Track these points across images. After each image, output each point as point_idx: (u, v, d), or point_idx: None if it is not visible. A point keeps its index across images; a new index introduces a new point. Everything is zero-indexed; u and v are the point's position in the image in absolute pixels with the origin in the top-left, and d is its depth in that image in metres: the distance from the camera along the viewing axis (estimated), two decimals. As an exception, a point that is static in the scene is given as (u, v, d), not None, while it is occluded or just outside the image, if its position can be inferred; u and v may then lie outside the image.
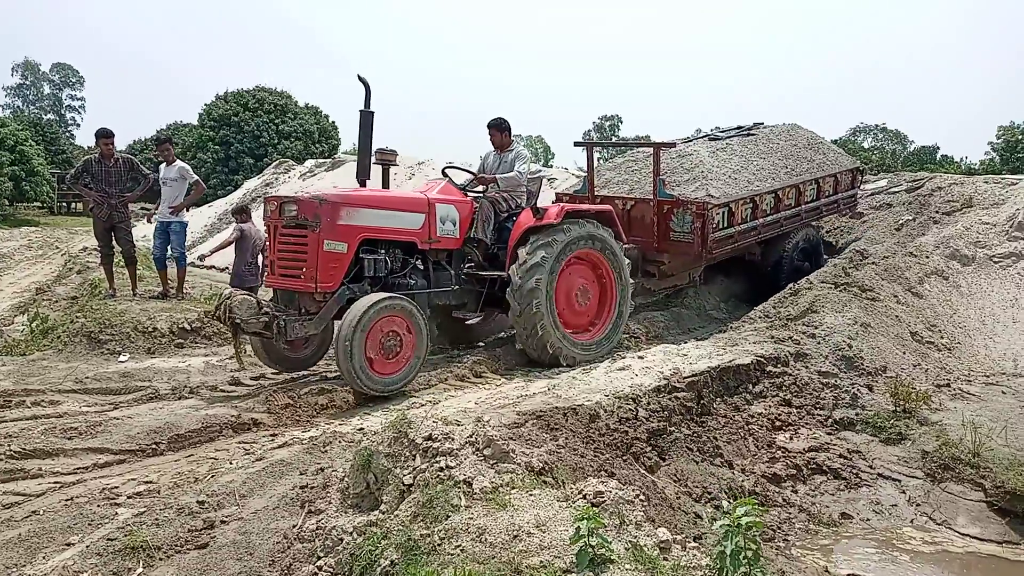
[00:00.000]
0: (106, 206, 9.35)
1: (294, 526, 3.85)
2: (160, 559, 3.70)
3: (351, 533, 3.51)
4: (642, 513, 2.86)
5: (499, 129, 8.01)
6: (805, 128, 12.50)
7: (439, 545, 2.97)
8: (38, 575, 3.55)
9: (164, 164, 9.92)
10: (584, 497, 3.06)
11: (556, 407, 5.23)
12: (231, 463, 4.90)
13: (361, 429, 5.51)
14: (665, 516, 4.15)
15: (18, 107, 60.07)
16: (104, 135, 9.44)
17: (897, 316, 8.22)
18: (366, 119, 7.16)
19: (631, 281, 8.14)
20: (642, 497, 3.08)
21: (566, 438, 4.52)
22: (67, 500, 4.43)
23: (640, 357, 6.70)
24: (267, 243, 7.17)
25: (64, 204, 37.04)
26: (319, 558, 3.50)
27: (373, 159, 7.44)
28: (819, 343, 7.21)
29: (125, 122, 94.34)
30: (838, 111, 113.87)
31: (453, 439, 3.69)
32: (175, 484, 4.58)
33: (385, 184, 7.68)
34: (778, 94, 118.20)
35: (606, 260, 7.85)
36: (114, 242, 9.50)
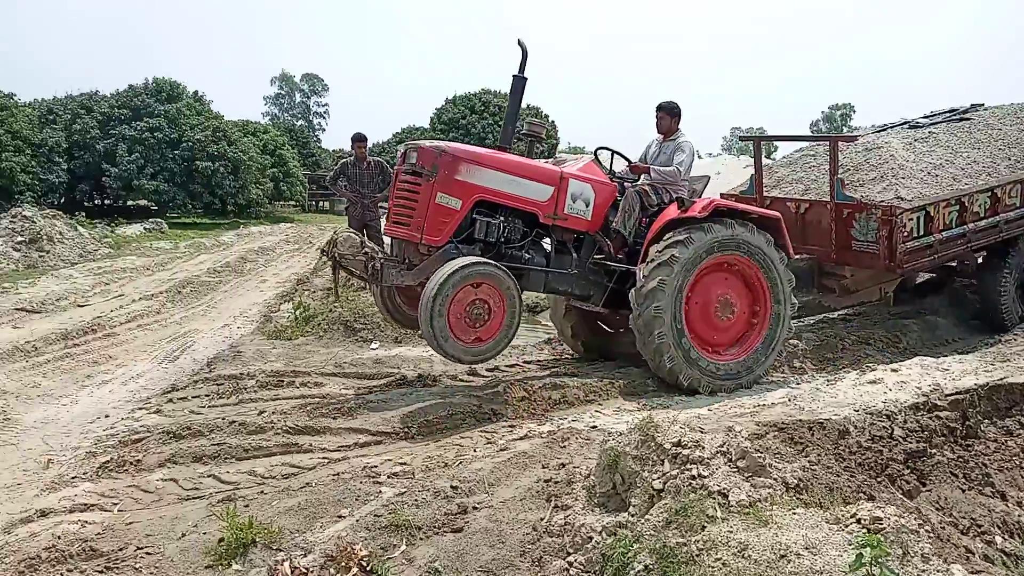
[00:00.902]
0: (359, 205, 10.24)
1: (542, 519, 3.96)
2: (420, 539, 3.95)
3: (600, 532, 3.55)
4: (928, 545, 2.63)
5: (669, 113, 7.32)
6: None
7: (697, 556, 2.92)
8: (318, 542, 3.93)
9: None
10: (858, 521, 2.86)
11: (799, 420, 4.95)
12: (475, 451, 5.17)
13: (595, 427, 5.57)
14: (933, 548, 3.79)
15: (275, 115, 67.27)
16: (358, 139, 10.34)
17: None
18: (518, 84, 6.78)
19: (793, 301, 6.98)
20: (927, 528, 2.83)
21: (817, 454, 4.27)
22: (335, 475, 4.87)
23: (894, 370, 6.17)
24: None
25: (314, 203, 40.89)
26: (569, 554, 3.57)
27: (522, 129, 7.18)
28: (1113, 363, 6.26)
29: (364, 125, 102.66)
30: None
31: (703, 447, 3.61)
32: (427, 467, 4.88)
33: (528, 156, 7.18)
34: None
35: (760, 270, 6.81)
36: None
